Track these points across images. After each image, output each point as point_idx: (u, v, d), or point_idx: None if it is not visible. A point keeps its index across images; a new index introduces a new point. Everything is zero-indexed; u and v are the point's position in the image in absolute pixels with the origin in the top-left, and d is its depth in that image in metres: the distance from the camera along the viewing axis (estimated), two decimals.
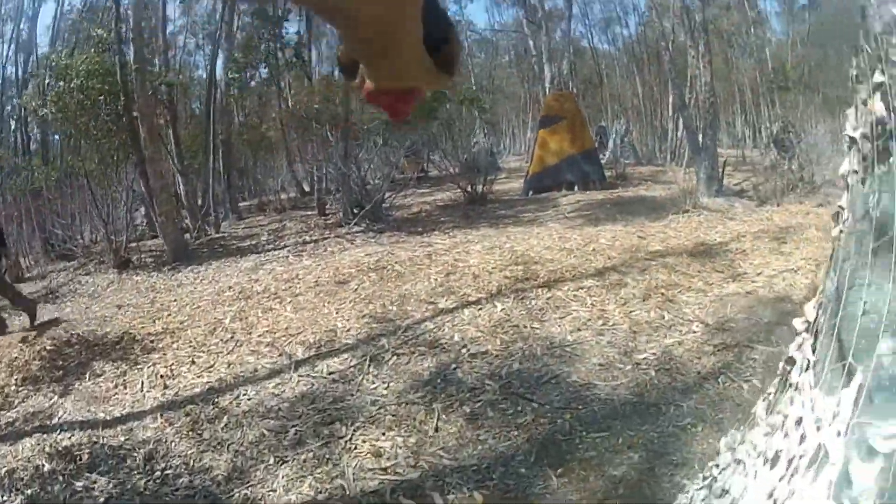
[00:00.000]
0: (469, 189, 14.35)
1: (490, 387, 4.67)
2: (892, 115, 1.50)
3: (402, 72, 0.61)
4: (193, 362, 5.84)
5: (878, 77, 1.59)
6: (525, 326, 5.71)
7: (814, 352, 1.83)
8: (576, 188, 14.96)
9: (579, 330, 5.55)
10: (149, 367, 5.87)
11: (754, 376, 4.49)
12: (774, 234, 8.47)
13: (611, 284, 6.58)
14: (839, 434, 1.31)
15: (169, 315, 7.41)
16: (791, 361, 2.01)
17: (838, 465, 1.24)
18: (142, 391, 5.40)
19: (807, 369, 1.80)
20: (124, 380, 5.70)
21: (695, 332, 5.37)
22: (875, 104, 1.58)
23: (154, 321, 7.24)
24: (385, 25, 0.54)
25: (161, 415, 4.87)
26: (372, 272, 7.89)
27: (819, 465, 1.32)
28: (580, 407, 4.30)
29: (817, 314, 1.96)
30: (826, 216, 9.77)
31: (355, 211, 11.77)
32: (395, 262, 8.25)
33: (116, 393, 5.46)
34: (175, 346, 6.34)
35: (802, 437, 1.51)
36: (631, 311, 5.86)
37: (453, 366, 5.08)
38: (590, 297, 6.29)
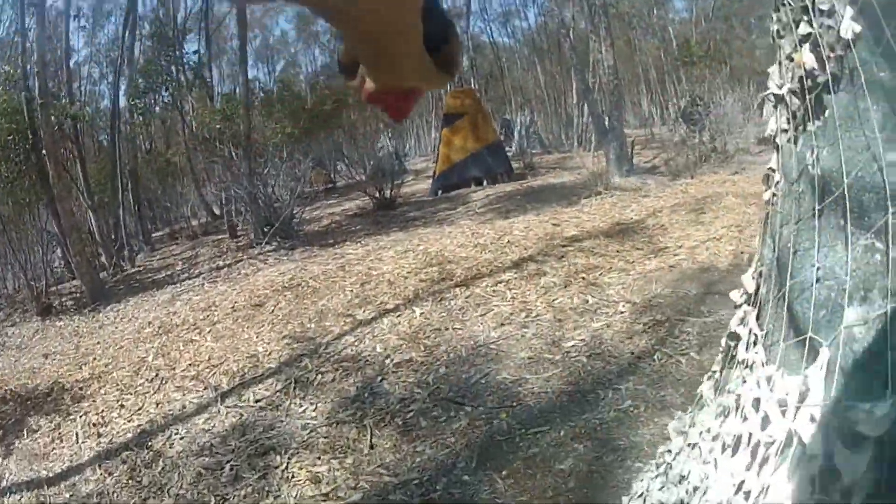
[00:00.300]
0: (377, 195, 14.19)
1: (419, 395, 4.51)
2: (829, 64, 1.40)
3: (402, 72, 0.61)
4: (123, 406, 5.56)
5: (804, 28, 1.49)
6: (447, 328, 5.57)
7: (760, 326, 1.73)
8: (484, 183, 14.97)
9: (502, 325, 5.43)
10: (81, 417, 5.56)
11: (690, 349, 4.44)
12: (692, 206, 8.55)
13: (529, 275, 6.50)
14: (813, 419, 1.20)
15: (94, 359, 7.07)
16: (735, 337, 1.90)
17: (819, 457, 1.13)
18: (78, 443, 5.10)
19: (755, 344, 1.70)
20: (60, 433, 5.39)
21: (622, 312, 5.31)
22: (804, 56, 1.48)
23: (80, 367, 6.90)
24: (385, 25, 0.55)
25: (100, 465, 4.60)
26: (287, 291, 7.66)
27: (795, 457, 1.21)
28: (514, 404, 4.17)
29: (758, 284, 1.86)
30: (742, 183, 10.03)
31: (265, 230, 11.47)
32: (310, 278, 8.03)
33: (54, 448, 5.16)
34: (103, 391, 6.02)
35: (765, 421, 1.40)
36: (553, 300, 5.78)
37: (379, 378, 4.90)
38: (509, 290, 6.19)
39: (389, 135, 24.62)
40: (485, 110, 17.42)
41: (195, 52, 20.47)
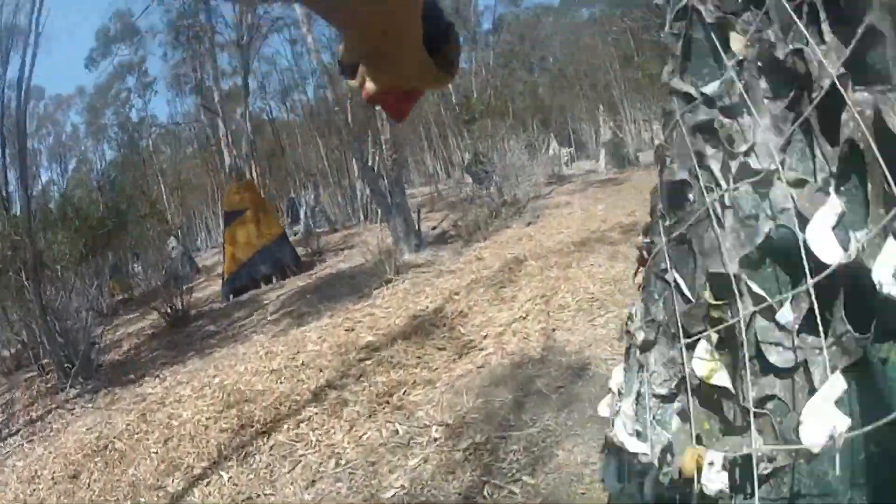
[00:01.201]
0: (169, 310, 12.84)
1: None
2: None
3: (402, 72, 0.61)
4: None
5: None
6: (258, 496, 4.57)
7: None
8: (274, 279, 14.33)
9: (314, 482, 4.50)
10: None
11: (522, 472, 3.75)
12: (490, 280, 8.03)
13: (331, 406, 5.59)
14: None
15: None
16: None
17: None
18: None
19: None
20: None
21: (437, 439, 4.54)
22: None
23: None
24: (386, 26, 0.54)
25: None
26: (97, 456, 6.38)
27: None
28: None
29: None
30: (539, 236, 9.79)
31: (67, 368, 9.92)
32: (114, 436, 6.75)
33: None
34: None
35: None
36: (361, 436, 4.92)
37: None
38: (313, 431, 5.26)
39: (178, 235, 23.48)
40: (266, 203, 16.97)
41: None
